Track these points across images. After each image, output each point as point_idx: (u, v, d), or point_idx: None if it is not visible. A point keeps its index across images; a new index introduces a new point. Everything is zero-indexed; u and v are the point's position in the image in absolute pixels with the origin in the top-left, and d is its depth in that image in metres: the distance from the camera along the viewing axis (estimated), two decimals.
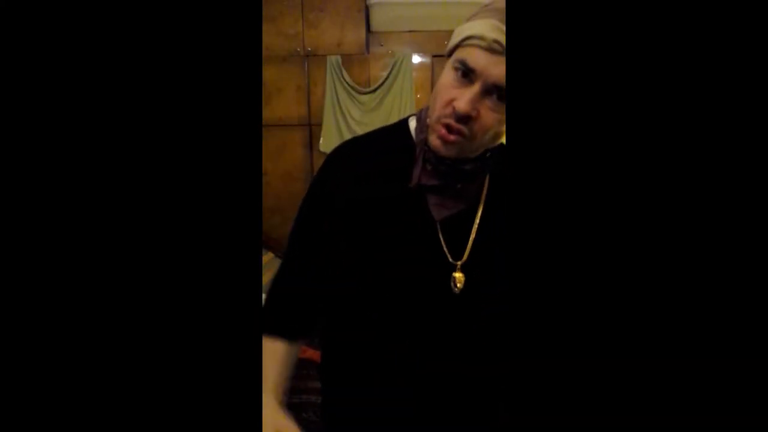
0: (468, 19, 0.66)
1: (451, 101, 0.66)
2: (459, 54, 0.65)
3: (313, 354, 2.57)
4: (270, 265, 2.85)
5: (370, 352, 0.74)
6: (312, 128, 3.13)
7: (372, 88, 3.01)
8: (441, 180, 0.72)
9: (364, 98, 3.02)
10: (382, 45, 3.08)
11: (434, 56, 3.02)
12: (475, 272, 0.74)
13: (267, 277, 2.62)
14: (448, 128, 0.66)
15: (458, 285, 0.74)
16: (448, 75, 0.67)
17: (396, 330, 0.73)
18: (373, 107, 3.04)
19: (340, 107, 3.05)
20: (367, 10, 3.06)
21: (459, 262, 0.74)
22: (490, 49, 0.62)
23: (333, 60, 3.00)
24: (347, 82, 3.02)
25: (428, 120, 0.70)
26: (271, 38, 3.04)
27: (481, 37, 0.62)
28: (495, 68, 0.63)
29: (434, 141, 0.69)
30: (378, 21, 3.09)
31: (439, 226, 0.74)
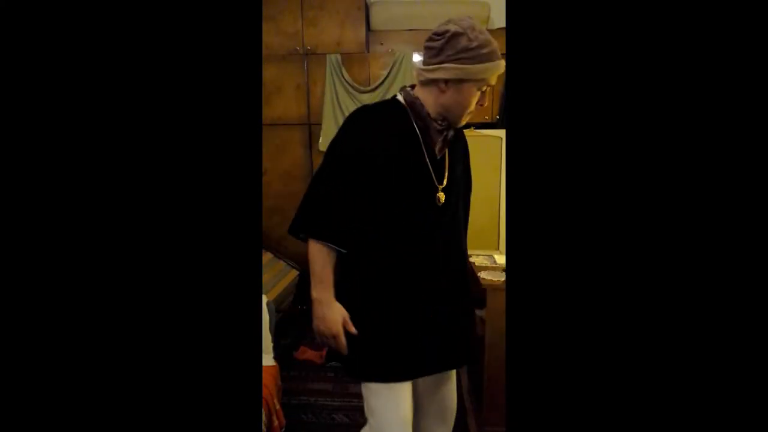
0: (478, 62, 1.10)
1: (476, 102, 1.16)
2: (481, 78, 1.12)
3: (313, 355, 2.56)
4: (269, 265, 2.84)
5: (391, 248, 1.16)
6: (311, 127, 3.12)
7: (372, 86, 3.00)
8: (442, 132, 1.20)
9: (363, 97, 3.00)
10: (382, 44, 3.08)
11: None
12: (449, 192, 1.20)
13: (266, 278, 2.61)
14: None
15: (441, 201, 1.18)
16: (471, 91, 1.13)
17: (405, 232, 1.16)
18: None
19: (340, 106, 3.04)
20: (367, 8, 3.05)
21: (441, 186, 1.19)
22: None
23: (333, 59, 2.99)
24: (347, 81, 3.01)
25: (446, 111, 1.17)
26: (270, 37, 3.03)
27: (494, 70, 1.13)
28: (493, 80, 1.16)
29: (463, 121, 1.19)
30: (378, 19, 3.08)
31: (429, 162, 1.18)
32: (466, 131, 3.18)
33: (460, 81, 1.10)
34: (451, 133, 1.21)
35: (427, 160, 1.18)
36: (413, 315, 1.17)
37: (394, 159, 1.15)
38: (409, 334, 1.17)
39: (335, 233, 1.15)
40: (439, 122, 1.17)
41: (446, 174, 1.20)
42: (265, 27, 2.99)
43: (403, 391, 1.18)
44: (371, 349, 1.15)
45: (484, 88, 1.13)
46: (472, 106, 1.15)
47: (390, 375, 1.16)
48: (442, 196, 1.18)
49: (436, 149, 1.20)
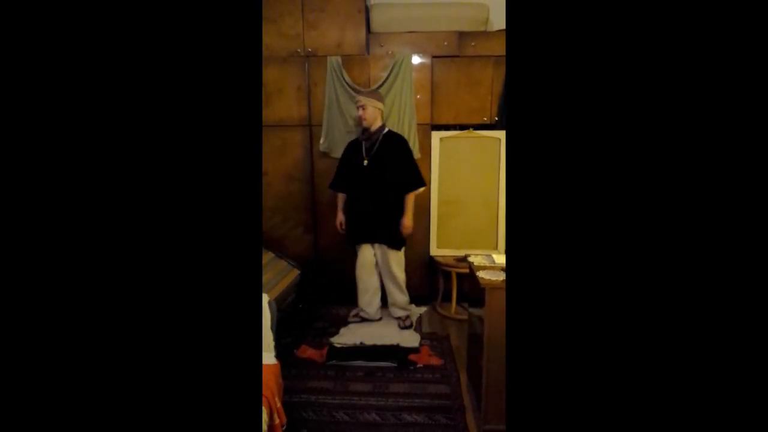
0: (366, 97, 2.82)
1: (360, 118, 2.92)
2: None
3: (313, 354, 2.57)
4: (271, 264, 2.85)
5: (354, 195, 2.94)
6: (312, 129, 3.14)
7: (372, 88, 3.02)
8: (369, 139, 2.89)
9: None
10: (382, 46, 3.09)
11: (434, 57, 3.03)
12: (374, 163, 2.85)
13: (267, 277, 2.62)
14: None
15: (366, 165, 2.86)
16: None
17: (356, 186, 2.91)
18: None
19: (340, 108, 3.05)
20: (367, 11, 3.07)
21: (366, 162, 2.85)
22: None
23: (333, 60, 3.01)
24: (347, 83, 3.02)
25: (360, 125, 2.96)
26: (271, 39, 3.04)
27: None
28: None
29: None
30: (378, 22, 3.10)
31: (365, 154, 2.88)
32: (465, 132, 3.18)
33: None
34: (375, 132, 2.86)
35: (365, 152, 2.88)
36: (357, 217, 2.88)
37: (351, 158, 2.97)
38: (356, 224, 2.90)
39: (341, 187, 2.97)
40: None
41: (372, 154, 2.87)
42: (267, 29, 3.01)
43: (362, 249, 2.93)
44: (349, 230, 2.93)
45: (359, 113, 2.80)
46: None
47: (351, 241, 2.96)
48: (367, 163, 2.83)
49: (368, 146, 2.89)
